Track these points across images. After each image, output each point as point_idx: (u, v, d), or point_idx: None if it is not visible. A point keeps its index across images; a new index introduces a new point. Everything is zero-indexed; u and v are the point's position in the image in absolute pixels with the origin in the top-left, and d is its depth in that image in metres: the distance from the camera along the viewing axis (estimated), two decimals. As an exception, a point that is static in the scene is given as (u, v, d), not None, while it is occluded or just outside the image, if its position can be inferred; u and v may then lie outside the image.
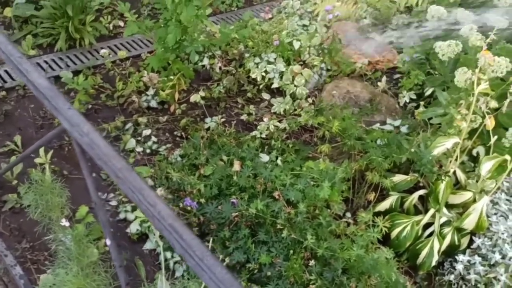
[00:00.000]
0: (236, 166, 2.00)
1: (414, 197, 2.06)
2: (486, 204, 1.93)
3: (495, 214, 1.96)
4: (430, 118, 2.26)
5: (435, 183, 1.92)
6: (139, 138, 2.34)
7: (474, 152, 2.17)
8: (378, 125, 2.43)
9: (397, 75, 2.86)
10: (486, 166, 1.88)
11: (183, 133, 2.39)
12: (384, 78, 2.75)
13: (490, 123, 1.86)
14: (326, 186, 1.90)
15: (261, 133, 2.38)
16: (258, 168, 2.00)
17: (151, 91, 2.53)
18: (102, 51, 2.58)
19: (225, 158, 2.09)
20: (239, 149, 2.15)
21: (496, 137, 1.91)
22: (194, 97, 2.53)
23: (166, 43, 2.21)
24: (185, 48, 2.24)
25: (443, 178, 1.86)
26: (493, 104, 1.83)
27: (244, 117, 2.54)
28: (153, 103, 2.49)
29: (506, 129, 2.06)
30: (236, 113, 2.60)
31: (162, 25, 2.26)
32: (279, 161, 2.17)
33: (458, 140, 1.91)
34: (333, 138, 2.33)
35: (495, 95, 2.02)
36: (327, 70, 2.84)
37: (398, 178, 2.11)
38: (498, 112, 1.99)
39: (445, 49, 2.18)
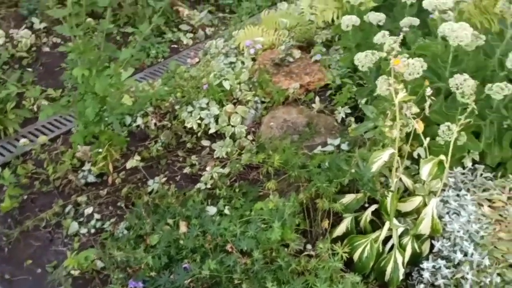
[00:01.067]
0: (182, 227, 1.92)
1: (367, 214, 2.02)
2: (437, 205, 1.92)
3: (448, 213, 1.95)
4: (366, 131, 2.26)
5: (382, 198, 1.90)
6: (82, 219, 2.23)
7: (415, 155, 2.17)
8: (320, 147, 2.42)
9: (330, 92, 2.87)
10: (425, 169, 1.88)
11: (126, 203, 2.30)
12: (317, 98, 2.76)
13: (418, 126, 1.87)
14: (276, 227, 1.85)
15: (206, 184, 2.32)
16: (205, 224, 1.93)
17: (87, 166, 2.45)
18: (21, 141, 2.48)
19: (170, 221, 2.02)
20: (183, 208, 2.08)
21: (428, 139, 1.91)
22: (131, 163, 2.45)
23: (86, 117, 2.15)
24: (106, 118, 2.18)
25: (386, 194, 1.84)
26: (415, 109, 1.84)
27: (187, 170, 2.48)
28: (91, 178, 2.40)
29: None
30: (179, 167, 2.54)
31: (79, 100, 2.20)
32: (226, 210, 2.11)
33: (393, 151, 1.90)
34: (279, 171, 2.30)
35: (419, 96, 2.03)
36: (262, 102, 2.83)
37: (348, 198, 2.08)
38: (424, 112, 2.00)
39: (363, 60, 2.20)
